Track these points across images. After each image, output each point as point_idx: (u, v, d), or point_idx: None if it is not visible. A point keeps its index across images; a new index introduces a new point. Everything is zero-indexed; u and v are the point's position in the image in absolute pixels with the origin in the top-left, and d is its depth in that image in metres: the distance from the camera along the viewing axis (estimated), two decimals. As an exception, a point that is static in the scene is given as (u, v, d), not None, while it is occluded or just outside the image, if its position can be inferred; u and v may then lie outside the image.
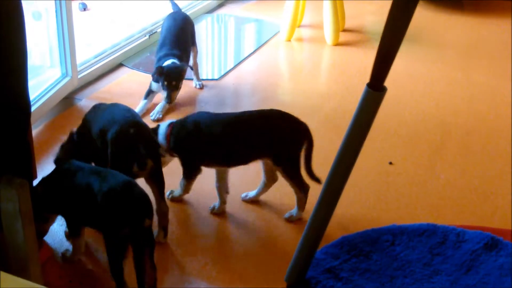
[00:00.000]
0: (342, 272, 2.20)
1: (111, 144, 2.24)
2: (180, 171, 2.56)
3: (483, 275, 2.13)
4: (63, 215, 2.24)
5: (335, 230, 2.36)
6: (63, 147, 2.30)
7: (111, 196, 2.00)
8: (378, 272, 2.21)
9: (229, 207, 2.59)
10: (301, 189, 2.53)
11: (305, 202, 2.56)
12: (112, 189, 2.00)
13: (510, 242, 2.24)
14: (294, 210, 2.56)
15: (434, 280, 2.15)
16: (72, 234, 2.23)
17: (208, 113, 2.58)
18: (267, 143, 2.46)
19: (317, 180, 2.52)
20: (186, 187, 2.58)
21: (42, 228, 2.27)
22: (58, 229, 2.44)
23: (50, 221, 2.33)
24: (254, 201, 2.64)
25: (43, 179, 2.19)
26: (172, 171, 2.61)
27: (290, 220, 2.55)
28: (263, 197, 2.65)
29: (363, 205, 2.64)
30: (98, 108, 2.45)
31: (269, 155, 2.47)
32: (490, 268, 2.15)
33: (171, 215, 2.44)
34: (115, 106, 2.46)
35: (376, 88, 1.76)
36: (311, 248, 2.04)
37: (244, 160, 2.52)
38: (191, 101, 3.59)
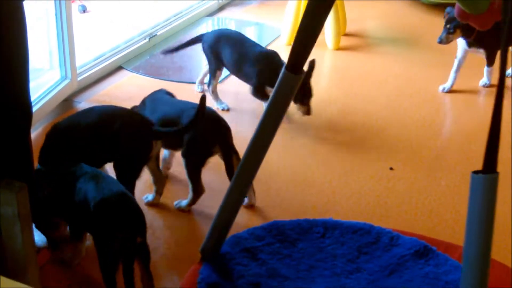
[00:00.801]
0: (261, 254, 2.19)
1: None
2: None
3: (405, 281, 2.11)
4: (65, 219, 2.22)
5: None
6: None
7: (104, 207, 1.96)
8: (299, 260, 2.19)
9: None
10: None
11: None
12: (105, 199, 1.97)
13: (442, 253, 2.21)
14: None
15: (353, 277, 2.13)
16: (73, 238, 2.21)
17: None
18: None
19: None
20: None
21: (54, 234, 2.25)
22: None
23: (62, 228, 2.30)
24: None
25: (49, 181, 2.17)
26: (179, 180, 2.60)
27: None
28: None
29: (362, 211, 2.63)
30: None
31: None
32: (414, 275, 2.14)
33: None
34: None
35: (294, 71, 1.83)
36: (225, 224, 2.08)
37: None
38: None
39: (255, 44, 3.42)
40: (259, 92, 3.33)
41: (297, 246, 2.26)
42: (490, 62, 3.61)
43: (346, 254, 2.24)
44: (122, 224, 1.94)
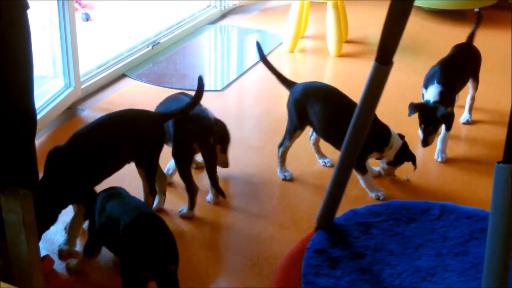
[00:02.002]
0: (373, 229, 2.31)
1: None
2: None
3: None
4: (90, 234, 2.22)
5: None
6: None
7: (135, 230, 1.91)
8: (409, 238, 2.28)
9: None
10: (189, 189, 2.57)
11: (193, 203, 2.59)
12: (136, 221, 1.93)
13: None
14: (185, 208, 2.60)
15: (458, 259, 2.18)
16: (86, 253, 2.22)
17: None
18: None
19: (220, 191, 2.60)
20: None
21: None
22: (54, 237, 2.44)
23: None
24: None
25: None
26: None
27: (181, 215, 2.60)
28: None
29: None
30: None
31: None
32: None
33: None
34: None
35: (383, 62, 1.90)
36: (336, 195, 2.22)
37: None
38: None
39: (351, 101, 2.84)
40: (362, 160, 2.75)
41: (410, 225, 2.37)
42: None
43: (457, 237, 2.32)
44: (158, 251, 1.88)
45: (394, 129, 2.81)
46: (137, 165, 2.48)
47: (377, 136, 2.71)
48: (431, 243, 2.27)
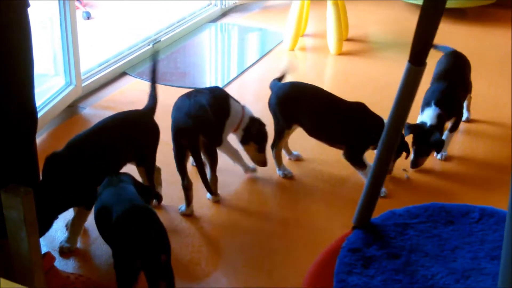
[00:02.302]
0: (410, 230, 2.31)
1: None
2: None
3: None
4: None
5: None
6: None
7: (127, 221, 1.94)
8: (446, 240, 2.27)
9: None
10: (182, 184, 2.58)
11: (188, 199, 2.59)
12: (128, 212, 1.96)
13: None
14: (183, 205, 2.61)
15: (495, 262, 2.16)
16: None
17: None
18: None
19: (208, 189, 2.58)
20: None
21: None
22: (54, 234, 2.44)
23: None
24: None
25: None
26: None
27: (181, 214, 2.60)
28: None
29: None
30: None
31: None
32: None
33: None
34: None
35: (416, 63, 1.91)
36: (372, 195, 2.20)
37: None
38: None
39: (338, 98, 2.88)
40: (359, 155, 2.79)
41: (448, 227, 2.35)
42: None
43: (496, 240, 2.29)
44: (146, 241, 1.90)
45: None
46: (137, 165, 2.49)
47: (371, 130, 2.72)
48: (468, 246, 2.25)
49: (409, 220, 2.34)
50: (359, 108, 2.82)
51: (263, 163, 2.83)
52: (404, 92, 2.01)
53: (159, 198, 2.34)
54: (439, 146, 2.92)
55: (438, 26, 1.81)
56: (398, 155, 2.83)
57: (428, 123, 2.93)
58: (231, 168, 2.88)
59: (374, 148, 2.80)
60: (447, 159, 3.09)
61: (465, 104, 3.37)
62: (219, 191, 2.71)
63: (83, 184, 2.26)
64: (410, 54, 1.90)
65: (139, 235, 1.90)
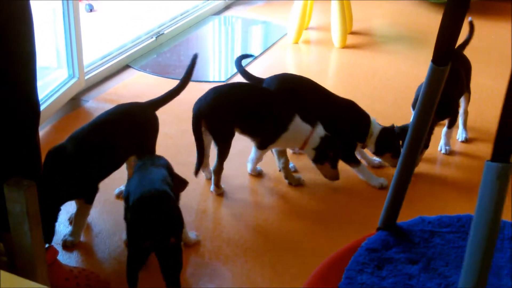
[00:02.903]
0: (437, 238, 2.22)
1: None
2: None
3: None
4: None
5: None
6: None
7: (141, 204, 1.97)
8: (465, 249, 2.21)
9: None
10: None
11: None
12: (144, 196, 1.98)
13: None
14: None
15: (506, 272, 2.13)
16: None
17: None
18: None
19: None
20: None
21: None
22: (58, 228, 2.44)
23: None
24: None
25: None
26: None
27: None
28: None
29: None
30: None
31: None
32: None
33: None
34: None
35: (439, 63, 1.86)
36: (398, 197, 2.14)
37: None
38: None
39: (330, 93, 2.88)
40: (350, 152, 2.81)
41: (466, 238, 2.28)
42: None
43: (503, 251, 2.23)
44: (157, 224, 1.94)
45: (398, 118, 2.81)
46: (139, 157, 2.48)
47: (357, 126, 2.75)
48: (493, 260, 2.21)
49: (438, 229, 2.27)
50: (349, 105, 2.83)
51: (336, 177, 2.75)
52: (427, 93, 1.99)
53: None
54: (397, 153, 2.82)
55: (462, 24, 1.79)
56: (382, 152, 2.82)
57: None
58: (231, 163, 2.87)
59: (362, 146, 2.80)
60: (451, 153, 3.08)
61: (461, 121, 3.25)
62: (222, 185, 2.71)
63: (84, 177, 2.26)
64: (433, 54, 1.88)
65: (151, 217, 1.94)
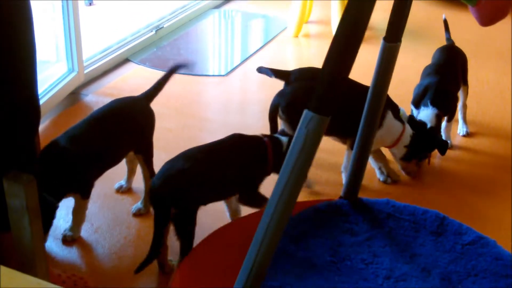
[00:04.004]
0: (391, 221, 2.22)
1: None
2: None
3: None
4: None
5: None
6: None
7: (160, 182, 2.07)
8: (420, 247, 2.14)
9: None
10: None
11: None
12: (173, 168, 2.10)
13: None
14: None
15: (430, 278, 2.11)
16: None
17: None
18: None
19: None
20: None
21: None
22: (57, 223, 2.44)
23: None
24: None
25: None
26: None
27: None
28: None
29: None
30: None
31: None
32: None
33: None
34: None
35: (390, 40, 2.00)
36: (358, 170, 2.21)
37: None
38: (197, 97, 3.58)
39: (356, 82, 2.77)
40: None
41: (431, 237, 2.21)
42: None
43: (463, 269, 2.11)
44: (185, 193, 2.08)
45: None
46: (136, 152, 2.47)
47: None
48: (438, 261, 2.09)
49: (398, 214, 2.24)
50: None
51: (415, 173, 2.79)
52: (380, 71, 2.14)
53: None
54: (444, 148, 2.81)
55: (411, 4, 1.83)
56: (430, 151, 2.80)
57: (428, 125, 2.87)
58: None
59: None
60: (452, 147, 3.08)
61: (460, 116, 3.24)
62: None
63: (79, 173, 2.24)
64: (386, 33, 1.94)
65: (181, 186, 2.07)
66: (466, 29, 4.55)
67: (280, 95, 2.61)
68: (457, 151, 3.08)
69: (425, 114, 2.91)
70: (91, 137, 2.30)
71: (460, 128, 3.24)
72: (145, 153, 2.49)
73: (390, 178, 2.77)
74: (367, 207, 2.27)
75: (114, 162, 2.41)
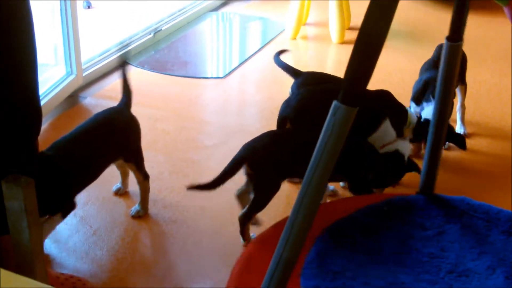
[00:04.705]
0: (465, 217, 2.22)
1: None
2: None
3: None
4: None
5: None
6: None
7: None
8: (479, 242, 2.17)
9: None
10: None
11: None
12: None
13: None
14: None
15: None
16: None
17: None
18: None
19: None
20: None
21: None
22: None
23: None
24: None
25: None
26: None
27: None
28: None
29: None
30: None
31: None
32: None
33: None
34: None
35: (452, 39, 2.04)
36: (432, 164, 2.22)
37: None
38: (195, 99, 3.59)
39: None
40: None
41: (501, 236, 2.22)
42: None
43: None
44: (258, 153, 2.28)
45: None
46: (126, 161, 2.44)
47: (395, 117, 2.68)
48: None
49: (472, 212, 2.25)
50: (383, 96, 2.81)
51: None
52: (445, 71, 2.14)
53: None
54: (463, 141, 2.84)
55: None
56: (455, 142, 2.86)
57: None
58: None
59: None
60: (449, 147, 3.08)
61: (458, 116, 3.23)
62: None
63: (64, 190, 2.16)
64: (449, 32, 2.05)
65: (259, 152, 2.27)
66: (467, 29, 4.57)
67: (288, 105, 2.59)
68: (454, 152, 3.08)
69: (430, 110, 2.85)
70: (76, 151, 2.22)
71: (458, 129, 3.24)
72: (135, 160, 2.45)
73: None
74: (442, 203, 2.28)
75: (95, 176, 2.33)
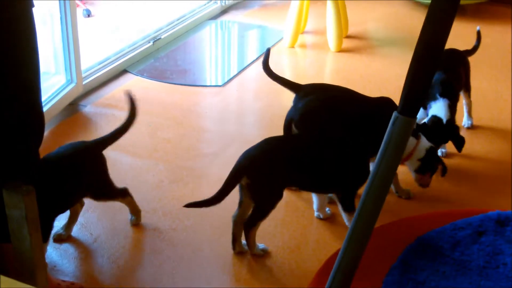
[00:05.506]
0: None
1: None
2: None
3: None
4: None
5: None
6: None
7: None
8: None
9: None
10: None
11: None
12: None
13: None
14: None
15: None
16: None
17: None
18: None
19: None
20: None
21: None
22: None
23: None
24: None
25: None
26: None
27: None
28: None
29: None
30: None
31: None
32: None
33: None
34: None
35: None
36: None
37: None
38: (195, 107, 3.60)
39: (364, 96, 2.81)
40: None
41: None
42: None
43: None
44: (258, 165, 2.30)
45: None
46: (95, 199, 2.39)
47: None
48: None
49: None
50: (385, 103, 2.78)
51: (428, 185, 2.76)
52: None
53: None
54: (461, 145, 2.87)
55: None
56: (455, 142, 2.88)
57: (444, 119, 2.88)
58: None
59: None
60: (448, 155, 3.10)
61: (465, 110, 3.32)
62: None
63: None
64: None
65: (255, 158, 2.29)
66: (464, 37, 4.59)
67: (294, 109, 2.67)
68: (454, 159, 3.09)
69: (438, 107, 2.90)
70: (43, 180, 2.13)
71: (465, 121, 3.32)
72: (102, 195, 2.41)
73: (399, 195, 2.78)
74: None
75: (65, 208, 2.30)
